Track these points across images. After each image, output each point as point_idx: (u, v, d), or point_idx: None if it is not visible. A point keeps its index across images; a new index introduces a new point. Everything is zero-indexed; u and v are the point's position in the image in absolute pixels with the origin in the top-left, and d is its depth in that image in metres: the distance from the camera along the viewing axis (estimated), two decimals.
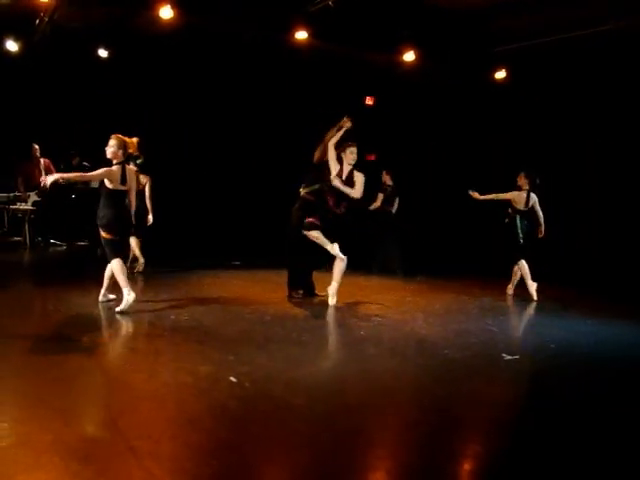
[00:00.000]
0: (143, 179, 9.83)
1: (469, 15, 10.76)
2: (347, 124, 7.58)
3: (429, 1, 10.55)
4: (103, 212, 6.75)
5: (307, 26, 10.78)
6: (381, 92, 14.64)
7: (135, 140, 7.03)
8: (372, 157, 14.53)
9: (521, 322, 7.20)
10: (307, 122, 13.84)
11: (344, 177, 7.54)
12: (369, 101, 14.84)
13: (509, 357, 5.62)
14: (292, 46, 11.25)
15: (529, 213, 9.15)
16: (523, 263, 8.93)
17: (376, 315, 7.25)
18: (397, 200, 11.83)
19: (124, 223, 6.98)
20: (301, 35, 10.89)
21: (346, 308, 7.60)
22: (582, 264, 11.46)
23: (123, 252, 7.27)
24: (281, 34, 10.98)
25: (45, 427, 3.64)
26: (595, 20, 9.83)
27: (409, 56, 11.85)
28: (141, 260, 9.95)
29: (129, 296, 6.59)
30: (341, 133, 7.59)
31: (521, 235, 9.07)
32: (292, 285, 8.05)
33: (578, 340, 6.52)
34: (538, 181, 9.16)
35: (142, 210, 9.80)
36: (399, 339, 6.25)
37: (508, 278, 9.22)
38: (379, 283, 9.70)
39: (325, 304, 7.67)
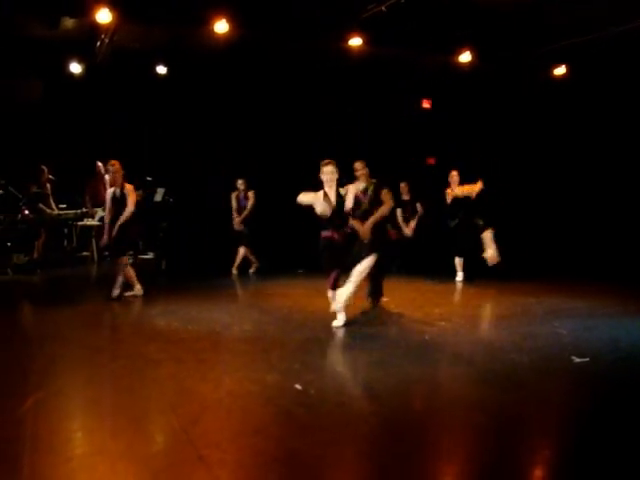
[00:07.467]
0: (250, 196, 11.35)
1: (524, 11, 10.55)
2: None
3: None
4: None
5: (361, 32, 10.80)
6: (438, 95, 14.54)
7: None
8: (432, 161, 14.45)
9: (589, 323, 6.99)
10: (366, 130, 13.90)
11: (333, 200, 6.83)
12: (426, 104, 14.76)
13: (579, 360, 5.47)
14: (347, 53, 11.28)
15: None
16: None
17: (440, 319, 7.17)
18: (416, 218, 11.63)
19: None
20: (355, 42, 10.92)
21: (410, 313, 7.55)
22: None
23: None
24: (336, 42, 11.02)
25: (117, 436, 3.74)
26: None
27: (465, 57, 11.74)
28: (255, 263, 11.51)
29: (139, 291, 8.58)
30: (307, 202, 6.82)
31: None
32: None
33: None
34: None
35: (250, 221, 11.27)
36: (464, 343, 6.17)
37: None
38: (443, 287, 9.61)
39: (388, 310, 7.63)
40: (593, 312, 7.72)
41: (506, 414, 4.30)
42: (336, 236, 6.83)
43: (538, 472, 3.63)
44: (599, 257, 12.16)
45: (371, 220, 7.46)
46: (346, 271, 6.85)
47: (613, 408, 4.48)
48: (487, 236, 9.69)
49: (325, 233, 6.87)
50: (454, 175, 10.13)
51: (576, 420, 4.29)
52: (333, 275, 6.85)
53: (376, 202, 7.68)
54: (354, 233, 7.09)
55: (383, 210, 7.64)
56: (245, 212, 11.33)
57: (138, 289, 8.54)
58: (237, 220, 11.30)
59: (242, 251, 11.31)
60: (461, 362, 5.55)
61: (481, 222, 9.74)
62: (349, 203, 6.97)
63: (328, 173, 6.82)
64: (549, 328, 6.73)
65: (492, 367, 5.37)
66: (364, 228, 7.33)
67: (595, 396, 4.76)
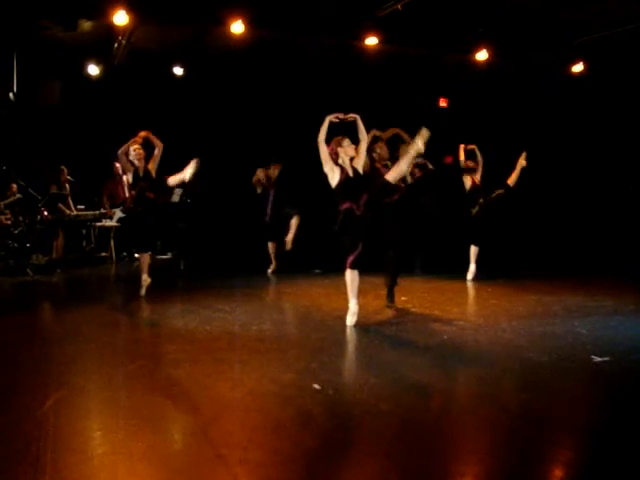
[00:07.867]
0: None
1: (541, 8, 10.46)
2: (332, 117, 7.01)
3: None
4: None
5: (377, 31, 10.78)
6: (455, 93, 14.47)
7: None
8: (449, 160, 14.38)
9: (609, 322, 6.93)
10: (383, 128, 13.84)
11: (351, 174, 6.84)
12: (443, 103, 14.70)
13: (599, 359, 5.42)
14: (363, 52, 11.27)
15: None
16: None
17: (459, 319, 7.13)
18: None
19: None
20: (371, 41, 10.90)
21: (428, 312, 7.52)
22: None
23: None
24: (352, 41, 11.01)
25: (137, 436, 3.76)
26: None
27: (482, 55, 11.68)
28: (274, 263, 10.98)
29: (145, 281, 8.33)
30: (326, 125, 6.89)
31: None
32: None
33: None
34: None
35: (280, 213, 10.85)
36: (483, 343, 6.13)
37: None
38: (461, 286, 9.56)
39: (406, 310, 7.61)
40: (613, 311, 7.64)
41: (525, 414, 4.27)
42: (354, 207, 6.76)
43: (558, 472, 3.60)
44: (618, 254, 12.05)
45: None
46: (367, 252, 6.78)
47: (634, 408, 4.44)
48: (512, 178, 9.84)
49: (345, 204, 6.78)
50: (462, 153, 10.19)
51: (596, 420, 4.25)
52: (355, 252, 6.67)
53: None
54: (372, 205, 6.91)
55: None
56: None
57: (144, 279, 8.39)
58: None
59: (295, 222, 10.73)
60: (480, 362, 5.52)
61: (501, 190, 9.81)
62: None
63: (346, 146, 6.85)
64: (569, 327, 6.67)
65: (511, 366, 5.34)
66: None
67: (615, 396, 4.71)
